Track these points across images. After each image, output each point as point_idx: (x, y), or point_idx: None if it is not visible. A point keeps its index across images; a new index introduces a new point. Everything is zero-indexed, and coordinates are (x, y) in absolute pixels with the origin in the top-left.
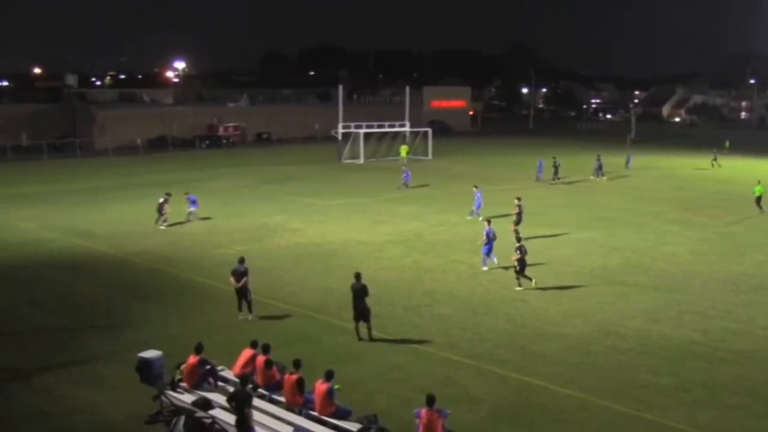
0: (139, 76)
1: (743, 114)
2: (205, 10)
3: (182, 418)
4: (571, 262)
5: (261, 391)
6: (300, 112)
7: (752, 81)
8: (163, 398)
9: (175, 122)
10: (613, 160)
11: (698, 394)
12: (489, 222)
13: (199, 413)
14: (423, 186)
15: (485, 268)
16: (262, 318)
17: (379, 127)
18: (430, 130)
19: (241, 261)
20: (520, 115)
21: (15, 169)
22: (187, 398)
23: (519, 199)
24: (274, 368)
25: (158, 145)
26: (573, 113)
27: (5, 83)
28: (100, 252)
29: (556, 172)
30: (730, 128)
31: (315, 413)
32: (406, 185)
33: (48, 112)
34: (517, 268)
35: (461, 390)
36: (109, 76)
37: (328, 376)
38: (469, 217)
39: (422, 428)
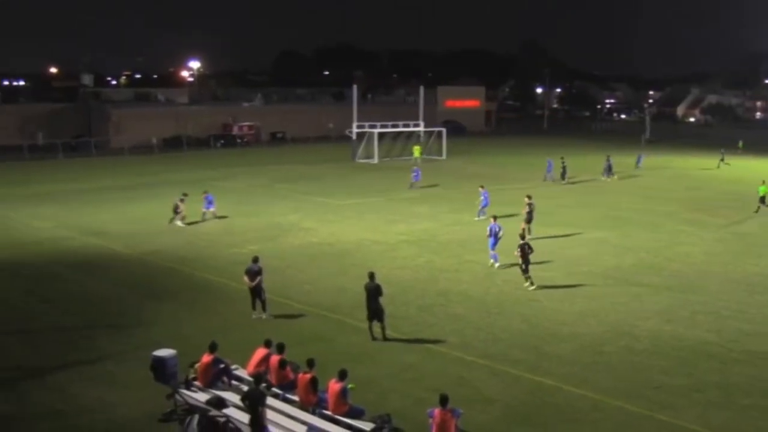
0: (155, 76)
1: (758, 114)
2: (220, 10)
3: (196, 417)
4: (584, 262)
5: (275, 390)
6: (314, 112)
7: (767, 81)
8: (177, 397)
9: (190, 122)
10: (625, 160)
11: (712, 395)
12: (495, 219)
13: (213, 412)
14: (436, 185)
15: (497, 265)
16: (276, 317)
17: (394, 126)
18: (444, 130)
19: (255, 260)
20: (534, 115)
21: (31, 169)
22: (201, 397)
23: (529, 197)
24: (288, 368)
25: (173, 144)
26: (587, 113)
27: (22, 83)
28: (114, 251)
29: (564, 173)
30: (744, 128)
31: (328, 412)
32: (413, 185)
33: (64, 111)
34: (523, 267)
35: (474, 390)
36: (125, 75)
37: (342, 375)
38: (476, 219)
39: (435, 428)
